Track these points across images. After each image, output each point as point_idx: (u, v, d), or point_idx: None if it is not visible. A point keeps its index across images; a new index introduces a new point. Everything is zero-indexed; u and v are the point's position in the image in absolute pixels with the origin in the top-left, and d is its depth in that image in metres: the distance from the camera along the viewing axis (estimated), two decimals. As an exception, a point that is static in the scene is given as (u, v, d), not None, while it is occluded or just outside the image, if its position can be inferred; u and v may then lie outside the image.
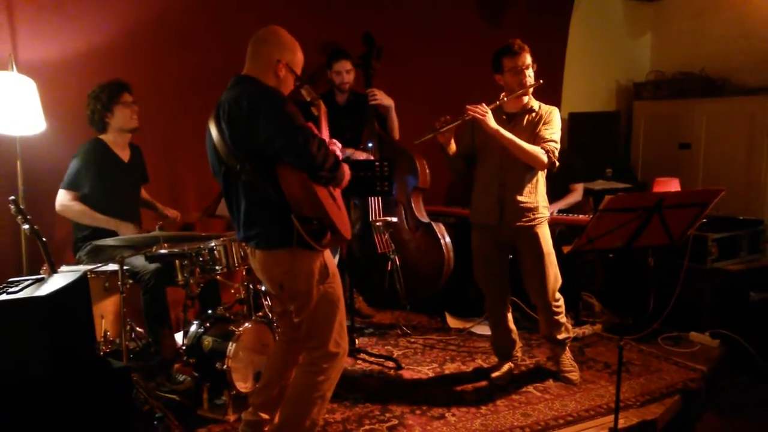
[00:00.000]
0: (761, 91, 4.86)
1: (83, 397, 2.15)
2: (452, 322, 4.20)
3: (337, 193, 2.47)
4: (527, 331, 3.88)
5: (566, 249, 3.12)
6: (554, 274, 3.18)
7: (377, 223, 3.95)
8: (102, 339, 2.90)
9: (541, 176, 3.16)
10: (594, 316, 4.23)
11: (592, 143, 5.33)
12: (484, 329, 4.04)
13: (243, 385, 2.86)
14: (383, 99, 3.99)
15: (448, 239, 4.04)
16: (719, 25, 5.30)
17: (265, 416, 2.54)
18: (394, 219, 3.99)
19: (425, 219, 4.09)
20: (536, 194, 3.13)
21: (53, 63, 3.44)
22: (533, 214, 3.11)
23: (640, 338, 3.84)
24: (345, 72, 3.93)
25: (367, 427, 2.80)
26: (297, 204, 2.20)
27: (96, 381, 2.24)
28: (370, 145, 3.94)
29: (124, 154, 3.36)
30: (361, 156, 3.86)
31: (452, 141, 3.13)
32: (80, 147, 3.22)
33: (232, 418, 2.83)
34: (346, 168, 2.41)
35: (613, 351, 3.47)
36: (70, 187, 3.17)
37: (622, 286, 4.09)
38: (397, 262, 3.87)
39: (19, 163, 3.21)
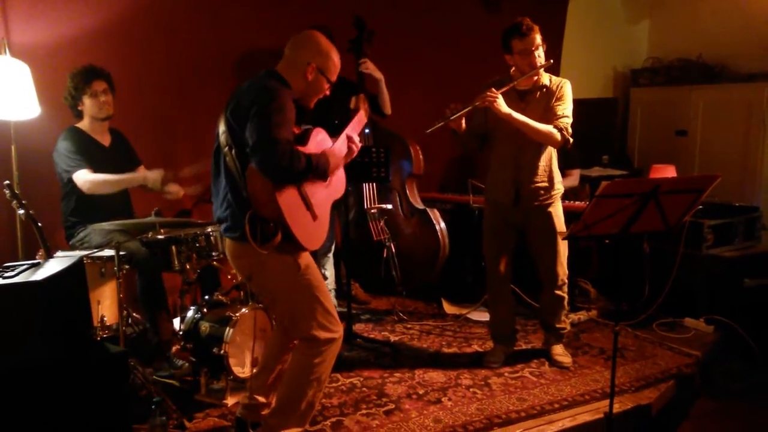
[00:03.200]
0: (758, 78, 4.86)
1: (80, 381, 2.15)
2: (448, 308, 4.22)
3: (319, 201, 2.41)
4: (523, 317, 3.90)
5: (562, 234, 3.14)
6: (565, 253, 3.21)
7: (372, 211, 3.95)
8: (99, 324, 2.90)
9: (554, 153, 3.18)
10: (589, 302, 4.26)
11: (588, 130, 5.29)
12: (480, 315, 4.06)
13: (240, 370, 2.87)
14: (373, 70, 3.85)
15: (443, 225, 4.04)
16: (717, 11, 5.28)
17: (262, 399, 2.55)
18: (389, 206, 3.99)
19: (420, 205, 4.09)
20: (551, 172, 3.16)
21: (47, 47, 3.40)
22: (548, 193, 3.14)
23: (636, 324, 3.86)
24: None
25: (363, 411, 2.81)
26: (257, 204, 2.21)
27: (93, 366, 2.24)
28: (367, 131, 3.92)
29: (104, 139, 3.33)
30: None
31: (462, 124, 3.09)
32: (59, 136, 3.18)
33: (229, 402, 2.85)
34: (333, 159, 2.37)
35: (609, 336, 3.50)
36: (78, 166, 3.13)
37: (617, 272, 4.10)
38: (393, 249, 3.88)
39: (13, 147, 3.19)
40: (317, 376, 2.38)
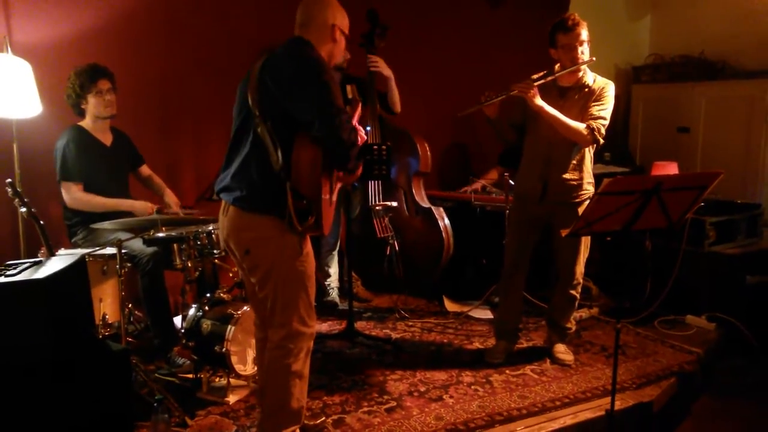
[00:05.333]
0: (760, 75, 4.84)
1: (82, 380, 2.15)
2: (450, 305, 4.22)
3: (336, 187, 2.43)
4: (525, 315, 3.89)
5: (564, 232, 3.13)
6: (585, 254, 3.22)
7: (377, 208, 3.94)
8: (101, 322, 2.91)
9: (588, 152, 3.16)
10: (591, 300, 4.25)
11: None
12: (482, 313, 4.06)
13: (242, 368, 2.87)
14: (384, 68, 3.82)
15: (447, 222, 4.03)
16: (718, 8, 5.27)
17: None
18: (394, 203, 3.98)
19: (426, 204, 4.07)
20: (582, 171, 3.14)
21: (48, 45, 3.41)
22: (577, 192, 3.12)
23: (637, 321, 3.86)
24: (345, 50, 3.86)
25: (365, 409, 2.82)
26: (297, 177, 2.15)
27: (95, 364, 2.25)
28: (368, 128, 3.91)
29: (106, 139, 3.33)
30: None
31: (495, 111, 3.09)
32: (61, 135, 3.19)
33: (231, 400, 2.85)
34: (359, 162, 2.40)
35: (610, 334, 3.50)
36: (68, 179, 3.15)
37: (619, 270, 4.10)
38: (396, 247, 3.87)
39: (15, 146, 3.19)
40: (297, 374, 2.32)
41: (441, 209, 4.09)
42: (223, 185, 2.31)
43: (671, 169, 4.28)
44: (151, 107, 3.77)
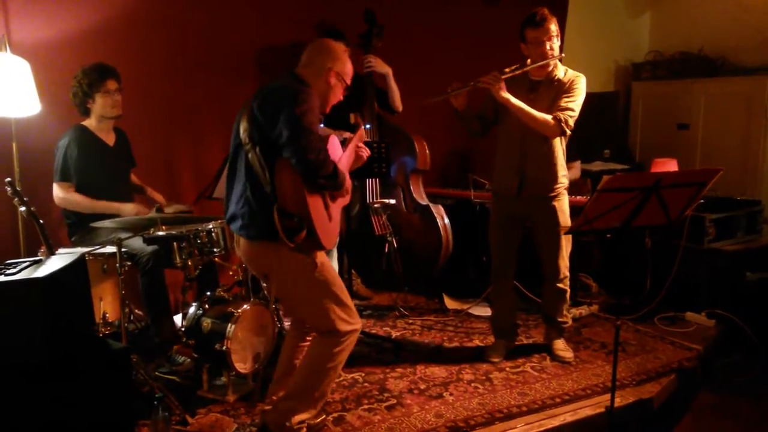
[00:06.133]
0: (760, 71, 4.84)
1: (83, 378, 2.15)
2: (450, 303, 4.22)
3: (335, 204, 2.51)
4: (524, 312, 3.90)
5: (564, 230, 3.14)
6: (567, 247, 3.22)
7: (375, 205, 3.95)
8: (101, 321, 2.91)
9: (559, 145, 3.15)
10: (591, 297, 4.25)
11: (589, 124, 5.28)
12: (481, 310, 4.06)
13: (242, 366, 2.87)
14: (379, 66, 3.85)
15: (446, 221, 4.03)
16: (718, 4, 5.26)
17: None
18: (392, 201, 3.98)
19: (424, 201, 4.08)
20: (555, 164, 3.14)
21: (47, 44, 3.40)
22: (552, 185, 3.13)
23: (637, 318, 3.87)
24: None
25: (365, 406, 2.82)
26: (283, 197, 2.26)
27: (95, 362, 2.25)
28: (367, 126, 3.91)
29: (109, 139, 3.33)
30: None
31: (463, 103, 3.11)
32: (64, 134, 3.19)
33: (231, 398, 2.85)
34: (347, 178, 2.48)
35: (610, 331, 3.51)
36: (63, 179, 3.15)
37: (619, 267, 4.10)
38: (395, 244, 3.87)
39: (14, 145, 3.19)
40: (334, 365, 2.43)
41: (440, 207, 4.09)
42: (229, 214, 2.44)
43: (671, 165, 4.28)
44: (151, 107, 3.76)
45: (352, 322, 2.44)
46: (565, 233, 3.15)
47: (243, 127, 2.34)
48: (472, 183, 4.24)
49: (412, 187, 4.05)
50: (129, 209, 3.21)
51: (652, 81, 5.61)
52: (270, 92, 2.35)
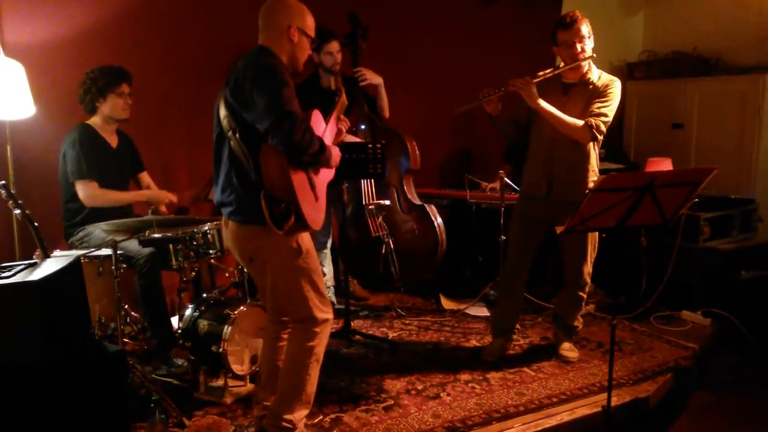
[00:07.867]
0: (753, 70, 4.86)
1: (79, 381, 2.15)
2: (447, 303, 4.22)
3: (320, 181, 2.48)
4: (522, 312, 3.89)
5: (559, 229, 3.13)
6: (593, 254, 3.20)
7: (370, 207, 3.94)
8: (97, 323, 2.90)
9: (593, 150, 3.12)
10: (587, 296, 4.25)
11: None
12: (478, 310, 4.07)
13: (239, 368, 2.87)
14: (372, 78, 3.86)
15: (440, 220, 4.03)
16: (711, 4, 5.27)
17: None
18: (387, 202, 3.98)
19: (417, 201, 4.08)
20: (586, 168, 3.10)
21: (41, 46, 3.39)
22: (581, 190, 3.07)
23: (633, 317, 3.88)
24: (336, 52, 3.86)
25: (363, 407, 2.82)
26: (270, 184, 2.23)
27: (92, 365, 2.24)
28: (362, 127, 3.91)
29: (112, 140, 3.32)
30: (352, 139, 3.83)
31: (497, 108, 3.09)
32: (68, 133, 3.18)
33: (228, 400, 2.85)
34: (335, 151, 2.44)
35: (606, 330, 3.50)
36: (83, 177, 3.12)
37: (614, 266, 4.11)
38: (391, 245, 3.87)
39: (9, 147, 3.18)
40: (316, 357, 2.43)
41: (433, 206, 4.10)
42: (218, 200, 2.42)
43: (665, 165, 4.29)
44: (146, 108, 3.74)
45: (326, 311, 2.45)
46: (560, 233, 3.15)
47: (222, 114, 2.30)
48: (468, 183, 4.24)
49: (405, 188, 4.06)
50: (159, 195, 3.26)
51: (646, 80, 5.62)
52: (238, 75, 2.26)
